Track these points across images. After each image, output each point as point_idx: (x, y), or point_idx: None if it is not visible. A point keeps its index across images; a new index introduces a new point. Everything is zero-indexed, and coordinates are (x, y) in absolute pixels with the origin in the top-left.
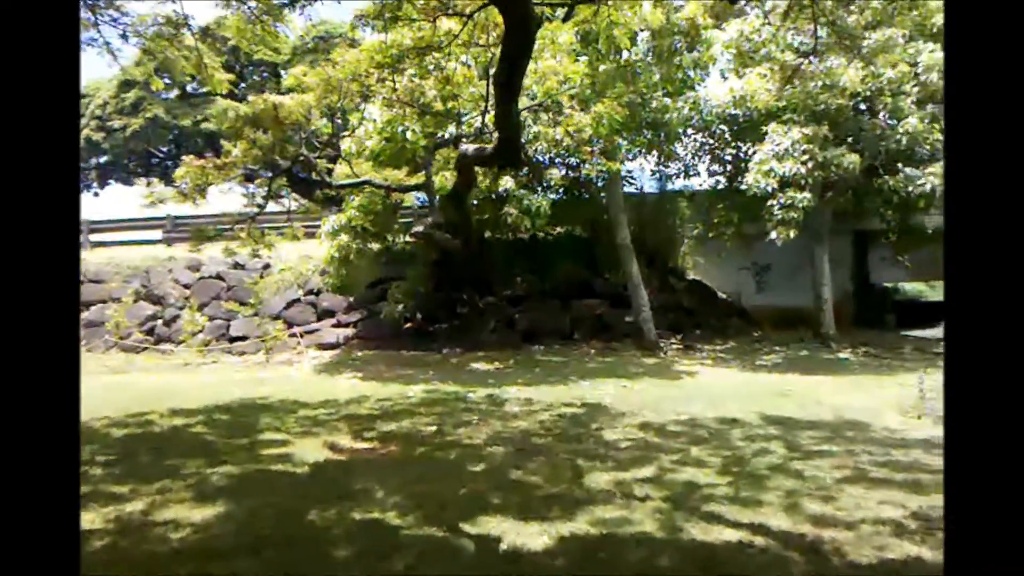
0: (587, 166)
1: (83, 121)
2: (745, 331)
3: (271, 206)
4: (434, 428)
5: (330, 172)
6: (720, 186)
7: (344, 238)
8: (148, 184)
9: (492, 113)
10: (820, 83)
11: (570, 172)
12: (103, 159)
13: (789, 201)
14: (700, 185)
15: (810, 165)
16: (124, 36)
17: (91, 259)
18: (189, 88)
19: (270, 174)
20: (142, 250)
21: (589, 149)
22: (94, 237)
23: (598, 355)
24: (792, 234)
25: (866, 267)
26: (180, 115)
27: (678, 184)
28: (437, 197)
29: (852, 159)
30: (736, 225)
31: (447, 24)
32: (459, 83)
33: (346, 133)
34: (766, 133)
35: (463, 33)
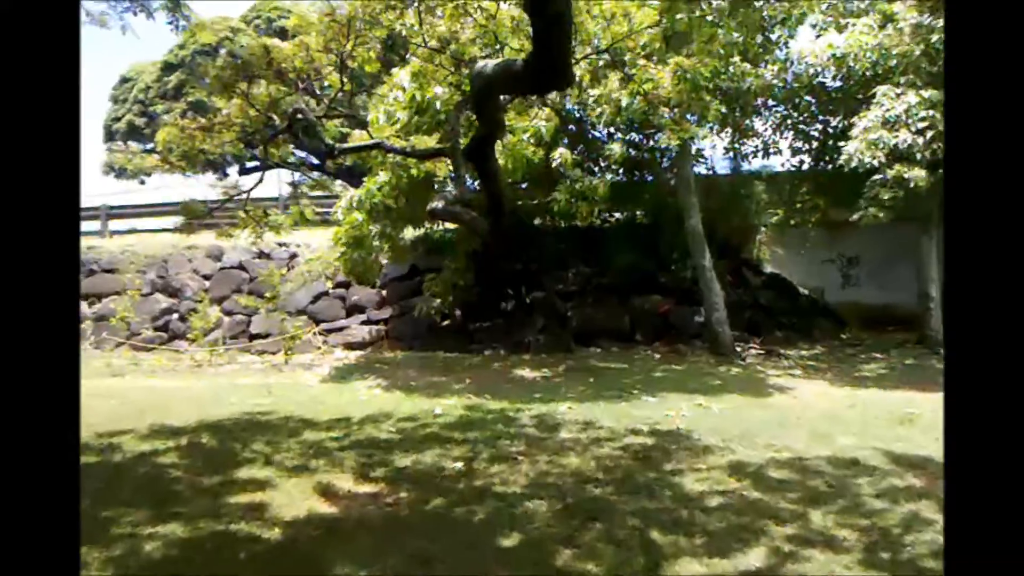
0: (660, 136)
1: (126, 106)
2: (832, 333)
3: (281, 184)
4: (461, 465)
5: (344, 138)
6: (804, 166)
7: (358, 216)
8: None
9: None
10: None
11: (631, 150)
12: (148, 146)
13: (898, 178)
14: (782, 165)
15: (929, 135)
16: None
17: (107, 247)
18: None
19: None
20: (161, 238)
21: (667, 112)
22: (114, 224)
23: (664, 361)
24: (891, 217)
25: None
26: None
27: (755, 164)
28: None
29: None
30: (822, 211)
31: None
32: (501, 23)
33: (364, 91)
34: (864, 101)
35: None
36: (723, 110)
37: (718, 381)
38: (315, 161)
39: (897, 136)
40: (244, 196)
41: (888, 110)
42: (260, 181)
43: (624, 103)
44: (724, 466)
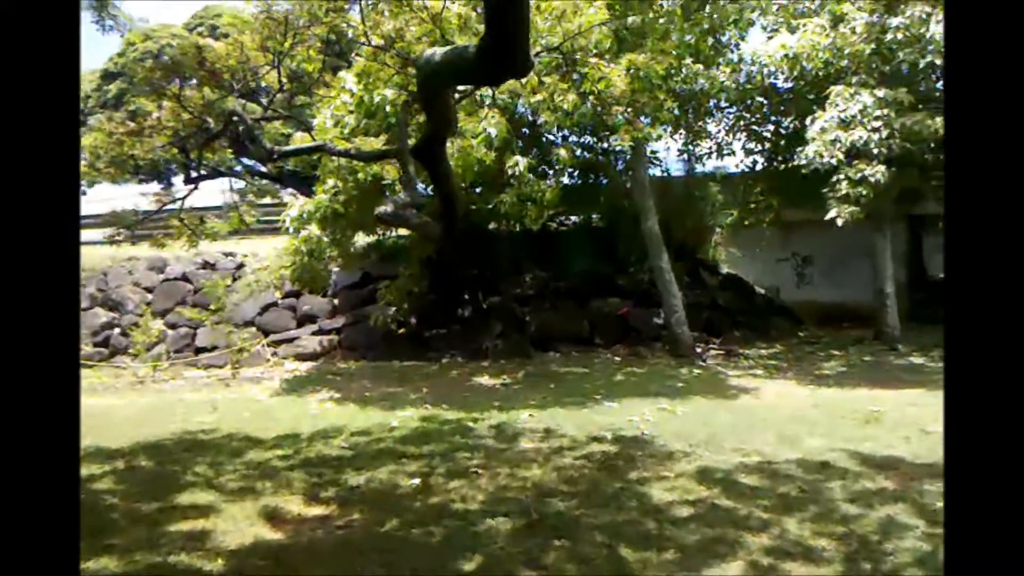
0: (614, 139)
1: None
2: (789, 332)
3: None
4: (418, 481)
5: (288, 141)
6: (758, 167)
7: (315, 232)
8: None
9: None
10: (897, 36)
11: (585, 152)
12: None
13: (858, 175)
14: (736, 166)
15: (884, 133)
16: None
17: None
18: None
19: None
20: (100, 250)
21: (621, 110)
22: None
23: (625, 364)
24: (857, 215)
25: (922, 258)
26: None
27: (709, 165)
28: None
29: (935, 124)
30: (775, 211)
31: None
32: (448, 20)
33: (306, 91)
34: (816, 101)
35: None
36: (676, 111)
37: (680, 383)
38: (262, 168)
39: (853, 135)
40: (179, 204)
41: (843, 110)
42: (195, 188)
43: (574, 105)
44: (692, 473)
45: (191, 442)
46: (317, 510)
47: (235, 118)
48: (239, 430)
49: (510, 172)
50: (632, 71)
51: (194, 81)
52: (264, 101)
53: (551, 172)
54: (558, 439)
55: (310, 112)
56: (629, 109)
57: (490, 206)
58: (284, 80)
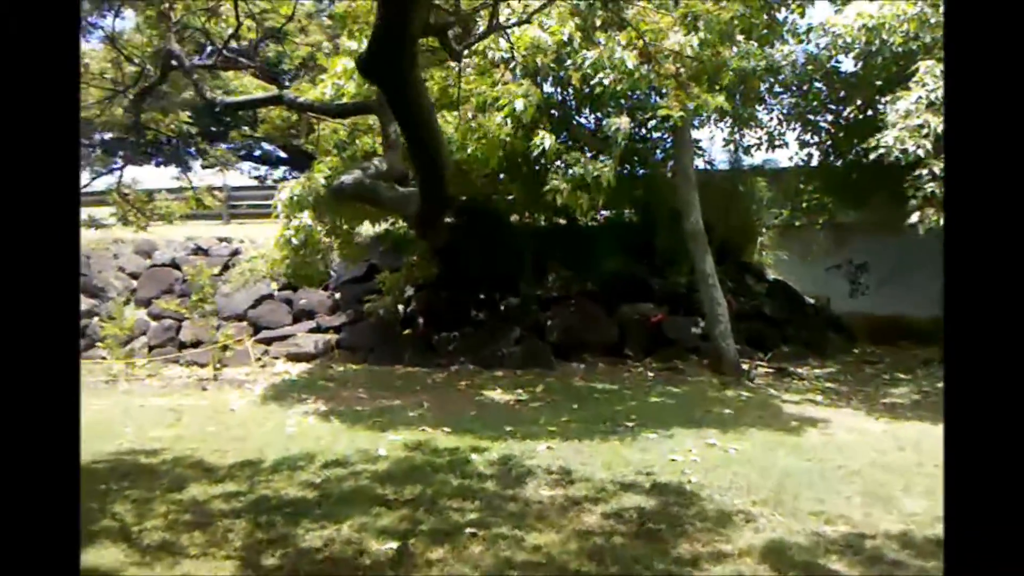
0: (660, 109)
1: None
2: (843, 348)
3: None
4: (393, 545)
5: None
6: (813, 161)
7: (307, 220)
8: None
9: None
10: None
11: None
12: None
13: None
14: (789, 160)
15: None
16: None
17: None
18: None
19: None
20: (86, 233)
21: (674, 68)
22: None
23: (660, 380)
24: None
25: None
26: None
27: (757, 158)
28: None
29: None
30: (829, 212)
31: None
32: None
33: (275, 37)
34: (885, 88)
35: None
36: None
37: (728, 410)
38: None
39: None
40: (117, 178)
41: (933, 90)
42: (127, 164)
43: (620, 66)
44: (762, 549)
45: (130, 466)
46: None
47: (173, 62)
48: (194, 451)
49: (538, 155)
50: (689, 20)
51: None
52: (226, 50)
53: (588, 152)
54: (581, 484)
55: (307, 78)
56: (683, 68)
57: (510, 197)
58: (242, 18)
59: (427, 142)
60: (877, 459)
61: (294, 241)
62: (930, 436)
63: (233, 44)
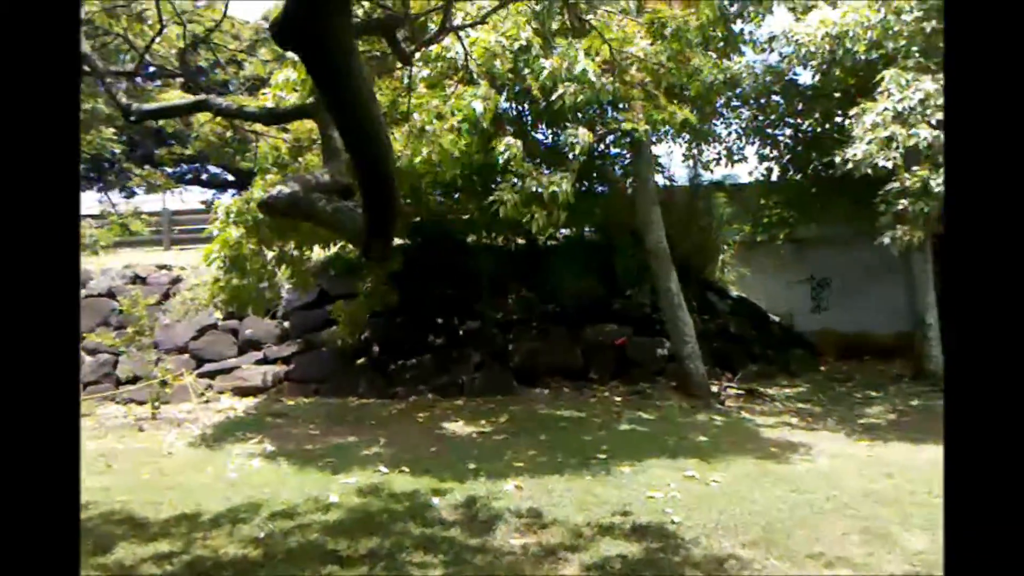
0: (621, 124)
1: None
2: (810, 365)
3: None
4: None
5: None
6: (774, 175)
7: (234, 233)
8: None
9: None
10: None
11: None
12: None
13: (917, 185)
14: (750, 174)
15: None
16: None
17: None
18: None
19: None
20: None
21: (639, 76)
22: None
23: (628, 405)
24: (917, 237)
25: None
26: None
27: (717, 173)
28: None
29: None
30: (790, 227)
31: None
32: None
33: (205, 44)
34: (844, 102)
35: None
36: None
37: (702, 436)
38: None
39: (916, 134)
40: None
41: (899, 100)
42: None
43: (581, 76)
44: None
45: None
46: None
47: (84, 67)
48: (123, 505)
49: (502, 161)
50: (656, 27)
51: None
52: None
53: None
54: (555, 529)
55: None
56: (648, 79)
57: (467, 216)
58: (166, 20)
59: (366, 131)
60: (867, 488)
61: (225, 258)
62: (915, 459)
63: (161, 52)
